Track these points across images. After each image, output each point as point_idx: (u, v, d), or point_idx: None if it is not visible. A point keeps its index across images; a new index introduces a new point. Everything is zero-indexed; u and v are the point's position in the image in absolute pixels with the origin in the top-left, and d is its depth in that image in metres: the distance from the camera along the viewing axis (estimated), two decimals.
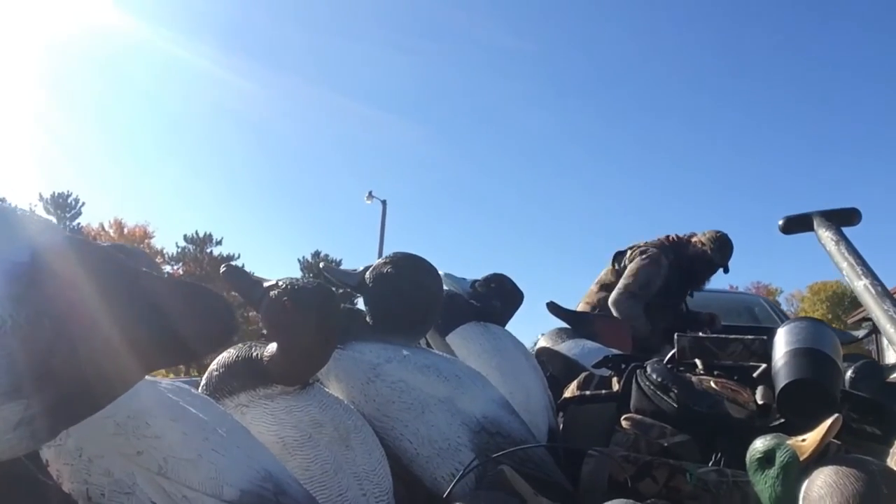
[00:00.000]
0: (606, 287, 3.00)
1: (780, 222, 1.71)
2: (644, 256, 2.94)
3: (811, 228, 1.64)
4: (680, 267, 2.97)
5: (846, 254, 1.47)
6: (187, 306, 0.74)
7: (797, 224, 1.68)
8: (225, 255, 25.35)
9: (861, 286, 1.36)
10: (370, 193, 15.08)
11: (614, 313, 2.86)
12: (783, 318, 4.32)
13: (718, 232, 3.03)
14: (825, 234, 1.57)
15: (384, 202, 14.93)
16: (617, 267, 3.03)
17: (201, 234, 26.37)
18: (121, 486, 0.85)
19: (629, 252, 3.01)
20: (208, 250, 26.19)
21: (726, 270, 3.04)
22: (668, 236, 3.07)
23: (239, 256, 25.41)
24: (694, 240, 3.03)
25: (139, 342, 0.71)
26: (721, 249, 2.98)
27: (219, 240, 26.51)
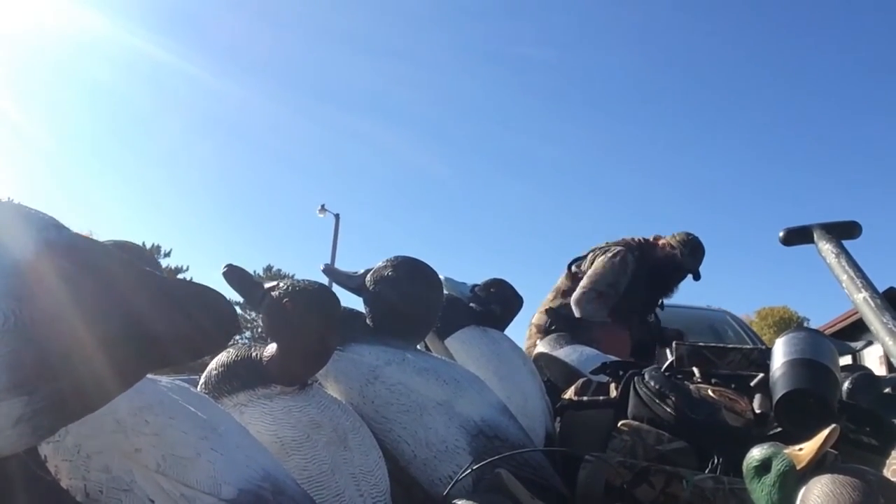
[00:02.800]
0: (563, 294, 2.71)
1: (781, 234, 1.71)
2: (609, 254, 2.66)
3: (811, 241, 1.64)
4: (647, 269, 2.68)
5: (846, 266, 1.47)
6: (192, 305, 0.74)
7: (797, 236, 1.68)
8: (174, 268, 23.92)
9: (860, 299, 1.37)
10: (323, 207, 14.53)
11: (576, 313, 2.58)
12: (751, 335, 4.03)
13: (689, 234, 2.74)
14: (825, 247, 1.57)
15: (337, 216, 14.44)
16: (576, 270, 2.75)
17: (149, 245, 24.13)
18: (119, 483, 0.85)
19: (590, 255, 2.74)
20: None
21: (697, 277, 2.73)
22: (632, 237, 2.78)
23: (188, 269, 23.97)
24: (661, 242, 2.74)
25: (143, 340, 0.71)
26: (693, 253, 2.69)
27: (167, 251, 24.48)
